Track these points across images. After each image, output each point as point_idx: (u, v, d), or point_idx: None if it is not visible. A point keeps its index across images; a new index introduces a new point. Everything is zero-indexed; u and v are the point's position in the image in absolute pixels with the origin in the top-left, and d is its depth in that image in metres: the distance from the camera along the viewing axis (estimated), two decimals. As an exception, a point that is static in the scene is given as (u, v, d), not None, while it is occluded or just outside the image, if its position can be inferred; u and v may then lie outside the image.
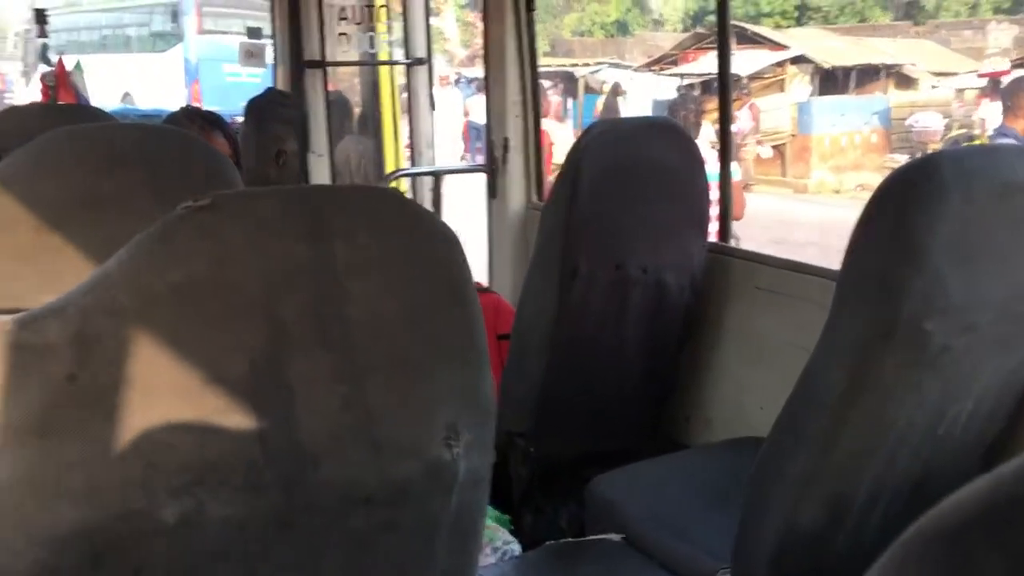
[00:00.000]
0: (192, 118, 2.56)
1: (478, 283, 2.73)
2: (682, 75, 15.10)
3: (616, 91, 13.49)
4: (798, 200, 12.49)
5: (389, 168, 3.68)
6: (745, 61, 13.86)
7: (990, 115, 9.77)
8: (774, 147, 13.59)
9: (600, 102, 11.74)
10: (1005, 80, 10.15)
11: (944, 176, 1.28)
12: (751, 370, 2.21)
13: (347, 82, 4.53)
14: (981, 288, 1.34)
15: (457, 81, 13.22)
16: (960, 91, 13.73)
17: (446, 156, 10.18)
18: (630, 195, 2.11)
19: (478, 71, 11.59)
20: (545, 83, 12.52)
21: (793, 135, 13.82)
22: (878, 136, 14.03)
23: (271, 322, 0.86)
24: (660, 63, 16.13)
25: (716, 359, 2.31)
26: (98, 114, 2.02)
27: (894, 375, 1.34)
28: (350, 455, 0.91)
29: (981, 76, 12.99)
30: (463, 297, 0.98)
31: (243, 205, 0.89)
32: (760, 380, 2.15)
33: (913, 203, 1.27)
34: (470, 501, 1.01)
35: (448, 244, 0.98)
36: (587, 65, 16.87)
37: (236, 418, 0.84)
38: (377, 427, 0.92)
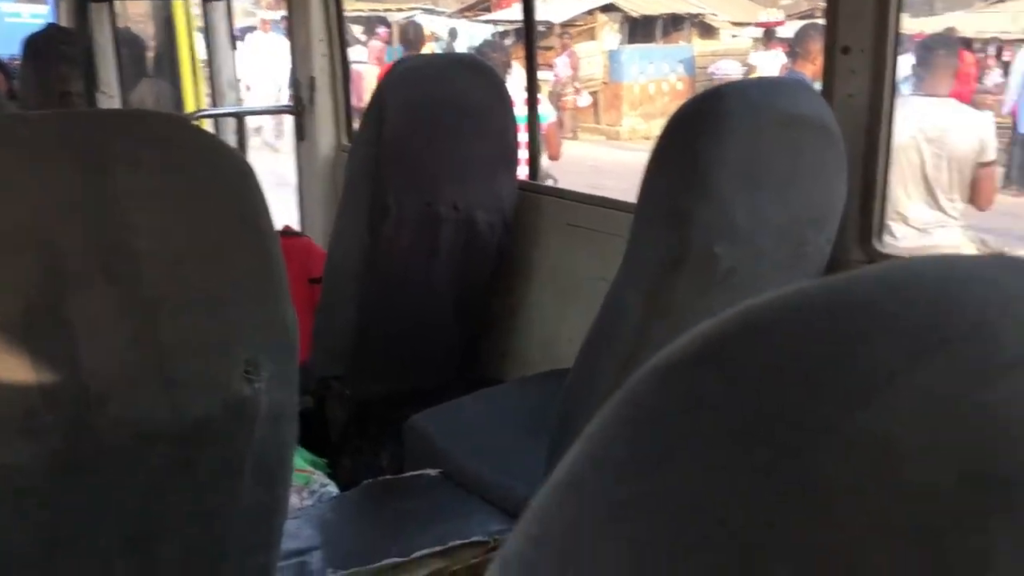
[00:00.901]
0: (-40, 54, 2.33)
1: (289, 227, 2.66)
2: (495, 21, 15.12)
3: (453, 35, 13.43)
4: (611, 146, 12.85)
5: (189, 110, 3.51)
6: (557, 8, 14.03)
7: (762, 62, 10.48)
8: (591, 94, 13.90)
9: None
10: (779, 31, 10.91)
11: (729, 106, 1.35)
12: (562, 304, 2.27)
13: (142, 22, 4.26)
14: (764, 213, 1.43)
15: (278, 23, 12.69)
16: (757, 40, 14.47)
17: (269, 100, 9.77)
18: (438, 132, 2.10)
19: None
20: (357, 28, 12.20)
21: (605, 83, 14.16)
22: (684, 84, 14.58)
23: (46, 256, 0.80)
24: (473, 10, 16.08)
25: (529, 295, 2.36)
26: None
27: (687, 299, 1.41)
28: (141, 393, 0.87)
29: (758, 26, 13.79)
30: (258, 229, 0.96)
31: (10, 129, 0.83)
32: (571, 313, 2.21)
33: (700, 133, 1.33)
34: (275, 437, 1.00)
35: (242, 175, 0.95)
36: (401, 11, 16.60)
37: (10, 362, 0.79)
38: (170, 363, 0.89)
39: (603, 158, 11.33)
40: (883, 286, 0.31)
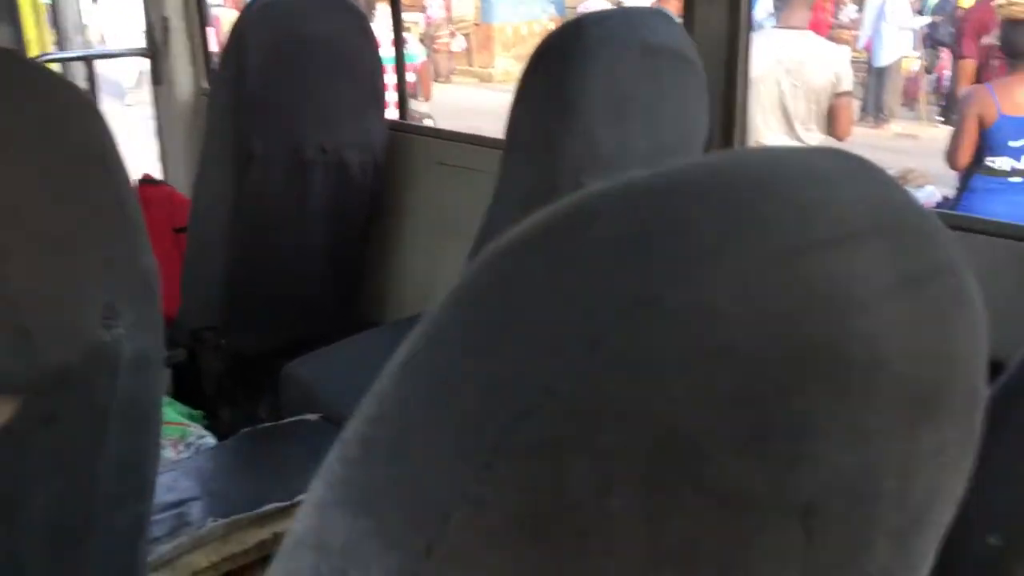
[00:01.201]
0: None
1: (149, 175, 2.56)
2: (361, -38, 14.75)
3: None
4: (484, 89, 12.77)
5: (33, 55, 3.30)
6: (425, -53, 13.75)
7: (630, 1, 10.60)
8: (464, 35, 13.75)
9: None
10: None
11: (590, 36, 1.36)
12: (438, 244, 2.26)
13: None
14: (630, 143, 1.45)
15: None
16: (623, -21, 14.56)
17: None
18: (301, 72, 2.04)
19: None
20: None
21: (477, 24, 14.02)
22: (555, 24, 14.58)
23: None
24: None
25: (404, 236, 2.35)
26: None
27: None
28: None
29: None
30: (107, 167, 0.91)
31: None
32: (447, 253, 2.21)
33: (564, 64, 1.34)
34: (141, 385, 0.97)
35: (85, 111, 0.91)
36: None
37: None
38: (22, 312, 0.84)
39: (477, 100, 11.26)
40: (708, 172, 0.33)
